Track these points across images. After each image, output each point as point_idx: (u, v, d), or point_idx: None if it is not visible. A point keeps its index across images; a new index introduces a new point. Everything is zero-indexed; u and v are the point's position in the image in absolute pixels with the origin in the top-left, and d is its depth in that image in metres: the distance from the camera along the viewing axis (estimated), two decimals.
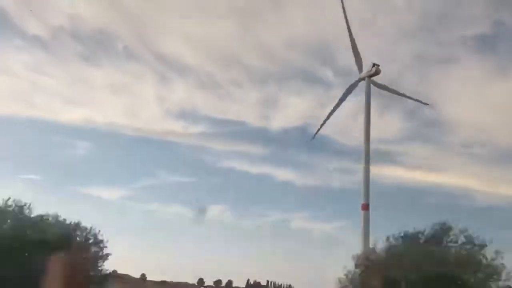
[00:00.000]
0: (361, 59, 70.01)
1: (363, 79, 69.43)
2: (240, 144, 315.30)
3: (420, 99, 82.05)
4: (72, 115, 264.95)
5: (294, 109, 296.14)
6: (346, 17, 70.92)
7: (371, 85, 70.39)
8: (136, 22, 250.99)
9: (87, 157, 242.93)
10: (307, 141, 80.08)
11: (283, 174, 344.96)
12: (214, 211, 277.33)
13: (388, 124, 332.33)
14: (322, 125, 74.30)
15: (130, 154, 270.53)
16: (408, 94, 78.33)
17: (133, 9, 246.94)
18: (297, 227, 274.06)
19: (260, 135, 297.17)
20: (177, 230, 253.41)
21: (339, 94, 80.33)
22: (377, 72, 69.55)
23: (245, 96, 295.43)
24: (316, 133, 75.20)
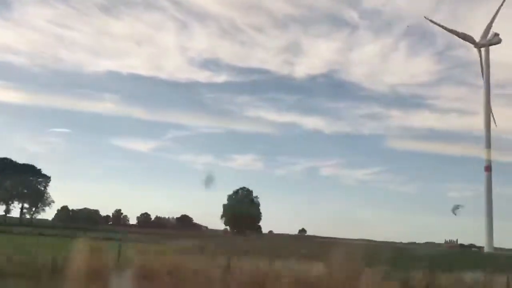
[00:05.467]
0: (465, 33, 74.22)
1: (480, 46, 74.46)
2: (265, 92, 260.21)
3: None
4: (97, 67, 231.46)
5: (319, 54, 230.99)
6: None
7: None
8: None
9: (115, 109, 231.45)
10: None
11: (311, 122, 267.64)
12: (244, 160, 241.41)
13: (417, 66, 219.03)
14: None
15: (155, 105, 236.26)
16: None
17: None
18: (327, 174, 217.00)
19: (285, 83, 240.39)
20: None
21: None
22: (496, 41, 73.57)
23: (268, 42, 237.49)
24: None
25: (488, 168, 71.10)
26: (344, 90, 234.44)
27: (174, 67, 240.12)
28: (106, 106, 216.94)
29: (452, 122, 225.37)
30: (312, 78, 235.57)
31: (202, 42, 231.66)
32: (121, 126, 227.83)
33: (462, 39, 76.12)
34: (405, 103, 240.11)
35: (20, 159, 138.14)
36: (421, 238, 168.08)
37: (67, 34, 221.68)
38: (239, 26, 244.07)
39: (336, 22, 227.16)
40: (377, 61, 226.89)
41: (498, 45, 72.99)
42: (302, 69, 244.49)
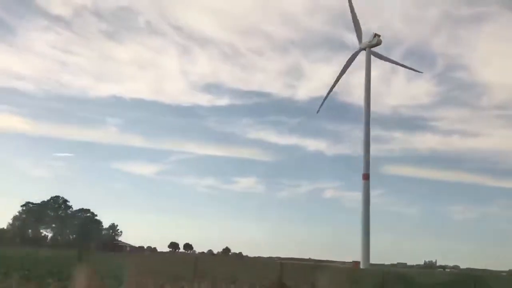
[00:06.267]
0: (361, 29, 74.44)
1: (364, 49, 74.46)
2: (267, 115, 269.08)
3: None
4: (100, 92, 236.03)
5: (319, 77, 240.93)
6: None
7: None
8: None
9: (118, 133, 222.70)
10: (316, 112, 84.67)
11: (313, 144, 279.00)
12: (246, 182, 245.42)
13: (418, 88, 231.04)
14: (325, 98, 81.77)
15: (158, 129, 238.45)
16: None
17: None
18: (330, 196, 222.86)
19: (286, 106, 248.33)
20: (211, 203, 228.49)
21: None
22: (378, 43, 73.59)
23: (268, 66, 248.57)
24: (321, 106, 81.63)
25: (366, 176, 69.32)
26: (346, 112, 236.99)
27: (176, 91, 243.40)
28: (109, 130, 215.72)
29: (455, 144, 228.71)
30: (313, 101, 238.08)
31: (204, 66, 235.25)
32: (123, 150, 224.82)
33: (357, 35, 76.34)
34: (406, 125, 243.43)
35: None
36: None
37: (70, 59, 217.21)
38: (240, 50, 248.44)
39: (335, 45, 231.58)
40: (378, 83, 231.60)
41: (379, 46, 73.75)
42: (303, 91, 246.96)
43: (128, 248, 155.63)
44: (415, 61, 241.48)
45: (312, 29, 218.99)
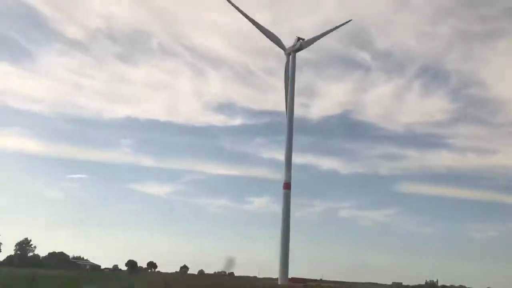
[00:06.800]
0: (277, 37, 71.16)
1: (289, 53, 71.18)
2: (280, 134, 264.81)
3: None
4: (115, 114, 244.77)
5: (332, 95, 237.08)
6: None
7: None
8: (168, 19, 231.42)
9: (132, 154, 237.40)
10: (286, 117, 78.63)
11: (327, 163, 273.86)
12: (260, 202, 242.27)
13: (432, 105, 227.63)
14: (286, 110, 76.75)
15: (172, 149, 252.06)
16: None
17: (164, 6, 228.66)
18: (345, 216, 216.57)
19: (300, 125, 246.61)
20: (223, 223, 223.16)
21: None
22: (302, 46, 70.45)
23: (281, 85, 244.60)
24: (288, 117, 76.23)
25: (287, 185, 65.46)
26: (359, 130, 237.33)
27: (190, 111, 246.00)
28: (124, 151, 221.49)
29: (471, 162, 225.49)
30: (327, 120, 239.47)
31: (217, 86, 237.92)
32: (138, 170, 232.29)
33: (276, 43, 72.95)
34: (421, 142, 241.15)
35: None
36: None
37: (85, 82, 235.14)
38: (252, 70, 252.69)
39: (348, 64, 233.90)
40: (391, 101, 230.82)
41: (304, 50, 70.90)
42: (317, 110, 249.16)
43: (87, 267, 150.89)
44: (429, 78, 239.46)
45: (324, 48, 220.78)
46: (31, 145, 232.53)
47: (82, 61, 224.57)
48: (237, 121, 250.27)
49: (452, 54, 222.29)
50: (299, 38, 70.71)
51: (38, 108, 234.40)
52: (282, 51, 72.79)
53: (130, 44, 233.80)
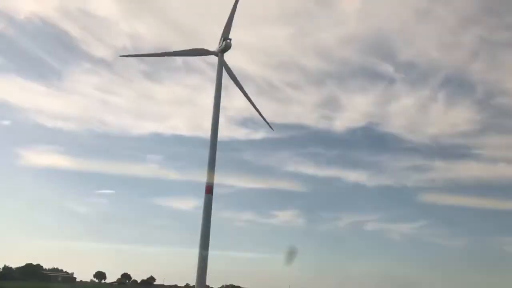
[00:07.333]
0: (200, 49, 71.66)
1: (216, 54, 71.06)
2: (304, 147, 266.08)
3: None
4: (141, 130, 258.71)
5: (356, 107, 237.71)
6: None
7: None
8: (191, 36, 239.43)
9: (158, 169, 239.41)
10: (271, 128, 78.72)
11: (352, 175, 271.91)
12: (285, 216, 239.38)
13: (458, 116, 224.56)
14: (262, 118, 76.03)
15: (197, 164, 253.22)
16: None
17: (188, 24, 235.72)
18: (372, 229, 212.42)
19: (324, 137, 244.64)
20: (248, 237, 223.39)
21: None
22: (227, 47, 70.39)
23: (304, 98, 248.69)
24: (267, 123, 76.01)
25: (209, 189, 65.21)
26: (385, 142, 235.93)
27: None
28: (150, 166, 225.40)
29: (501, 172, 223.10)
30: (351, 132, 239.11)
31: (240, 101, 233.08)
32: (163, 185, 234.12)
33: (203, 54, 73.31)
34: (448, 153, 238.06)
35: None
36: None
37: (112, 99, 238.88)
38: (276, 84, 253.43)
39: (371, 75, 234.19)
40: (416, 112, 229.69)
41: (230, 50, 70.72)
42: (340, 123, 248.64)
43: (59, 279, 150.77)
44: (454, 89, 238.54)
45: (347, 60, 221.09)
46: (61, 161, 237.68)
47: (109, 79, 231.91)
48: (261, 134, 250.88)
49: (477, 63, 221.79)
50: (224, 38, 70.70)
51: (67, 126, 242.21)
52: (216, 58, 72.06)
53: (155, 62, 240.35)
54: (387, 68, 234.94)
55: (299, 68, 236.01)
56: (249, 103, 76.18)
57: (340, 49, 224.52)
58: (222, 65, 70.45)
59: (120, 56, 72.52)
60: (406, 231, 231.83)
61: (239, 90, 75.81)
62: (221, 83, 69.46)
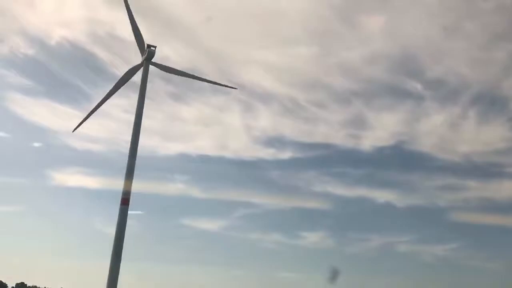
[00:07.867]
0: (131, 68, 69.22)
1: (141, 64, 68.85)
2: (332, 167, 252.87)
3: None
4: (168, 150, 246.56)
5: (384, 126, 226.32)
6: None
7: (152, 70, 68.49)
8: (218, 58, 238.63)
9: (185, 189, 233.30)
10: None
11: (382, 195, 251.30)
12: (314, 237, 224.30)
13: (491, 134, 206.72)
14: (87, 117, 74.13)
15: (223, 184, 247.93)
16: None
17: (215, 46, 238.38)
18: (403, 250, 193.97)
19: (351, 156, 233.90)
20: (276, 259, 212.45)
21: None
22: (150, 54, 68.17)
23: (330, 117, 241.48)
24: (79, 125, 73.30)
25: (125, 201, 60.56)
26: (415, 161, 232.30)
27: (240, 146, 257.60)
28: (177, 187, 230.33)
29: None
30: (380, 151, 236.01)
31: (266, 121, 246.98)
32: (191, 205, 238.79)
33: (135, 72, 71.42)
34: (481, 172, 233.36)
35: None
36: None
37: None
38: (301, 103, 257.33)
39: (399, 94, 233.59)
40: (447, 130, 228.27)
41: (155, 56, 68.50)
42: (368, 142, 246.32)
43: None
44: (485, 106, 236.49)
45: (373, 78, 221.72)
46: (90, 182, 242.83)
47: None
48: (287, 154, 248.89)
49: (509, 79, 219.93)
50: (148, 46, 68.67)
51: (96, 147, 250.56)
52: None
53: (183, 83, 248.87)
54: (415, 86, 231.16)
55: (325, 87, 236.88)
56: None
57: (366, 67, 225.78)
58: (147, 73, 68.23)
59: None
60: (440, 253, 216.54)
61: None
62: (145, 92, 66.83)
